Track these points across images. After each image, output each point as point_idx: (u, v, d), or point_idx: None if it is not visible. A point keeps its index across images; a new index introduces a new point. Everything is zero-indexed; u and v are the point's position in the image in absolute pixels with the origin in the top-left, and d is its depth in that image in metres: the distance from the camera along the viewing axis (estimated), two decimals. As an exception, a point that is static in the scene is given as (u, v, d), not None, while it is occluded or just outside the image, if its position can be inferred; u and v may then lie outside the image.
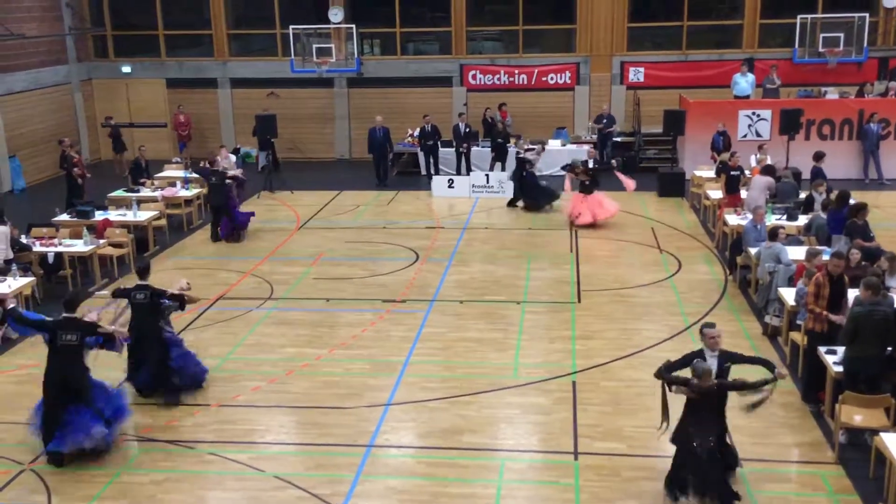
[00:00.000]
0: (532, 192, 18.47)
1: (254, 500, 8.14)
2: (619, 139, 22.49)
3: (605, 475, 8.40)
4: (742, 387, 7.72)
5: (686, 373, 7.71)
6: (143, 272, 10.26)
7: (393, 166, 22.17)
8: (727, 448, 8.12)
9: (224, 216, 16.56)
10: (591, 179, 17.17)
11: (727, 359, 7.88)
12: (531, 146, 18.79)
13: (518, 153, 18.74)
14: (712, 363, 7.75)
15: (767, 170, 15.47)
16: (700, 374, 7.53)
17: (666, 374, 7.69)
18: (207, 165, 17.24)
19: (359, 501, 8.07)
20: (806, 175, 16.57)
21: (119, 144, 22.99)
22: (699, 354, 7.86)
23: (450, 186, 20.00)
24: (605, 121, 21.89)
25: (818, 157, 16.18)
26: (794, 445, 8.94)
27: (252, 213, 17.26)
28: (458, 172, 21.12)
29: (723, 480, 7.83)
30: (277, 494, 8.20)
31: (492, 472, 8.56)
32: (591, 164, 17.44)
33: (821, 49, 22.05)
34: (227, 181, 16.65)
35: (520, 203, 18.70)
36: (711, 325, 8.03)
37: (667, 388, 7.72)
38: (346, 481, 8.38)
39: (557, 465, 8.64)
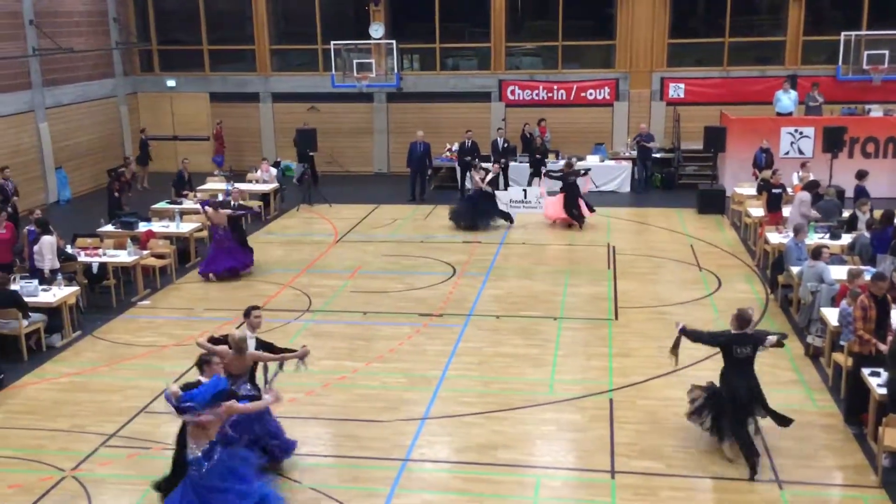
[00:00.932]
0: (485, 213, 18.34)
1: (290, 512, 8.17)
2: (658, 155, 22.35)
3: (643, 495, 8.32)
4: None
5: None
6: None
7: (430, 181, 22.24)
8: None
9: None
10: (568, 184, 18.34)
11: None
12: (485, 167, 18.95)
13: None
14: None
15: (809, 185, 15.26)
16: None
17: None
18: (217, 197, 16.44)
19: (394, 515, 8.08)
20: (849, 193, 16.33)
21: (144, 157, 23.34)
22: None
23: (487, 201, 20.01)
24: (641, 138, 21.57)
25: (861, 175, 15.93)
26: (837, 468, 8.78)
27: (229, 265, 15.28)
28: (496, 187, 21.08)
29: (737, 429, 8.70)
30: (313, 506, 8.25)
31: (527, 489, 8.52)
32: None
33: (865, 66, 21.74)
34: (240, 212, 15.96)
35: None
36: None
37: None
38: (381, 495, 8.39)
39: (594, 483, 8.57)
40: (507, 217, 18.49)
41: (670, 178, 21.99)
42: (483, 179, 18.31)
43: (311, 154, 21.62)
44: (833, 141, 18.51)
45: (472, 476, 8.76)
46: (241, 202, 17.22)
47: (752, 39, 23.66)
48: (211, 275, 15.18)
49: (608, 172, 21.78)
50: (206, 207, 15.47)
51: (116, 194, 17.75)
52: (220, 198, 18.12)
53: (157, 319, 13.39)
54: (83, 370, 11.55)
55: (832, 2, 24.03)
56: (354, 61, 22.89)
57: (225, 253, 15.23)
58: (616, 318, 13.05)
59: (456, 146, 21.96)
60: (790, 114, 21.25)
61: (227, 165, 23.68)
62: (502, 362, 11.51)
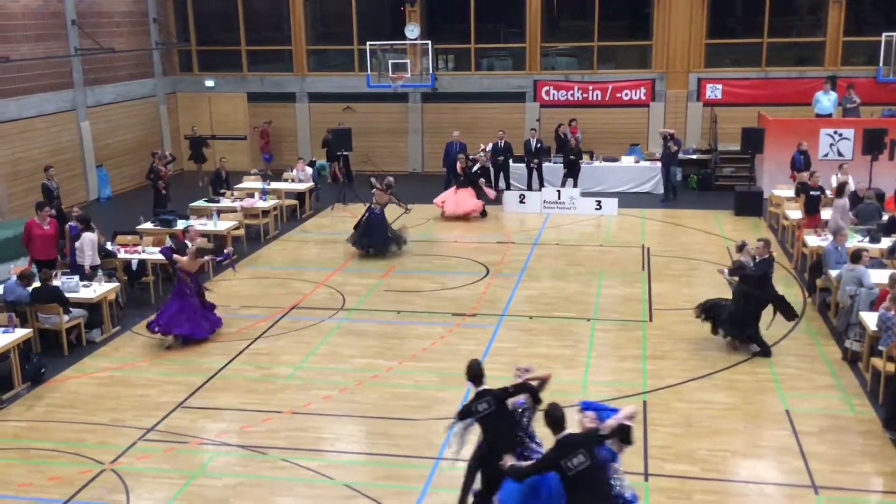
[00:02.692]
0: (380, 234, 16.49)
1: (323, 508, 8.26)
2: (694, 157, 22.17)
3: (677, 498, 8.28)
4: (740, 276, 11.47)
5: None
6: (477, 378, 7.67)
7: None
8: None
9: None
10: (464, 176, 19.42)
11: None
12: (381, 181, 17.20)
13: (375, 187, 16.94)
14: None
15: (839, 190, 14.87)
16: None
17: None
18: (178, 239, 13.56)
19: (426, 513, 8.12)
20: (890, 196, 16.09)
21: (199, 155, 23.66)
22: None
23: (521, 202, 20.03)
24: (670, 142, 20.69)
25: (903, 178, 15.70)
26: (874, 474, 8.66)
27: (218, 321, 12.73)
28: (529, 188, 21.09)
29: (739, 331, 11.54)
30: (347, 503, 8.32)
31: (560, 490, 8.50)
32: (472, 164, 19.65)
33: (907, 67, 21.41)
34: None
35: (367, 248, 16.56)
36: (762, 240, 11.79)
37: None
38: (414, 493, 8.44)
39: (627, 485, 8.53)
40: (399, 241, 16.63)
41: (707, 180, 21.80)
42: (383, 196, 16.76)
43: (345, 154, 21.75)
44: (873, 143, 18.22)
45: (505, 476, 8.76)
46: (206, 246, 13.18)
47: (790, 40, 23.38)
48: (161, 334, 12.27)
49: (643, 174, 21.65)
50: (174, 255, 12.48)
51: (164, 192, 17.99)
52: (256, 196, 18.31)
53: (195, 316, 13.55)
54: (123, 365, 11.74)
55: (873, 2, 23.67)
56: (390, 61, 22.98)
57: (188, 312, 12.24)
58: (650, 319, 12.98)
59: (490, 146, 21.95)
60: (830, 115, 20.97)
61: (266, 166, 23.95)
62: (535, 363, 11.40)
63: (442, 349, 12.01)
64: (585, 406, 7.29)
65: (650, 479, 8.59)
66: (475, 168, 19.65)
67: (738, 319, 11.43)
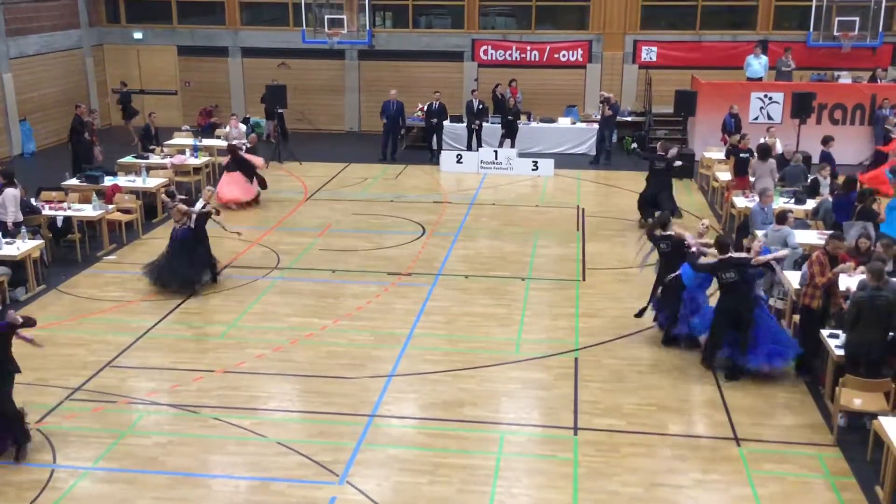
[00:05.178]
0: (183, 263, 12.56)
1: (256, 465, 8.24)
2: (629, 119, 22.38)
3: (604, 450, 8.48)
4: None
5: None
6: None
7: (402, 141, 22.11)
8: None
9: None
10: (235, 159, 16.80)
11: None
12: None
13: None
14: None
15: (761, 152, 15.06)
16: None
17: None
18: None
19: (360, 469, 8.16)
20: (816, 160, 16.53)
21: (129, 111, 22.98)
22: None
23: (458, 162, 19.98)
24: (604, 105, 20.45)
25: (826, 141, 16.13)
26: (794, 427, 8.99)
27: None
28: (469, 149, 21.02)
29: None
30: (279, 460, 8.31)
31: (492, 445, 8.65)
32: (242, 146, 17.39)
33: (835, 32, 21.85)
34: None
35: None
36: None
37: None
38: (347, 449, 8.48)
39: (557, 439, 8.71)
40: (213, 271, 12.91)
41: (641, 142, 22.01)
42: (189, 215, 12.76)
43: (280, 111, 21.39)
44: (801, 107, 18.65)
45: (438, 432, 8.87)
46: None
47: (724, 3, 23.63)
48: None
49: (580, 135, 21.77)
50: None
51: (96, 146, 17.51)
52: (187, 153, 17.87)
53: (124, 274, 13.29)
54: (48, 324, 11.42)
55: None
56: (326, 17, 22.53)
57: None
58: (584, 279, 13.17)
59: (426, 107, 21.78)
60: (760, 79, 21.37)
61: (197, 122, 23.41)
62: (470, 321, 11.60)
63: (377, 308, 12.01)
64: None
65: (579, 433, 8.78)
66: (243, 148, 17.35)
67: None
